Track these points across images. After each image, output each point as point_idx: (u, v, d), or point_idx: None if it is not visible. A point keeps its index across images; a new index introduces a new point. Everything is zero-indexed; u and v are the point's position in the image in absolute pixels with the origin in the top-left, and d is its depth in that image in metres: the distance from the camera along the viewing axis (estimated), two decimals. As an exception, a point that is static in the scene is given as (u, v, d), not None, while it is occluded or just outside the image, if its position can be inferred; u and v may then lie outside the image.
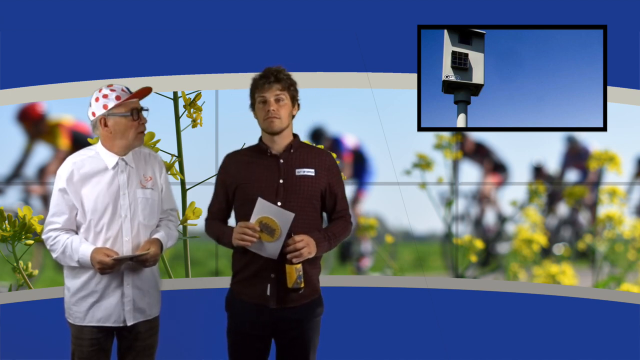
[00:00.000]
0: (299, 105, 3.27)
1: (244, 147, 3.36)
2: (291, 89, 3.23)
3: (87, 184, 3.25)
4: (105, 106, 3.23)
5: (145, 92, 3.27)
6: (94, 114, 3.26)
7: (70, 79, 4.31)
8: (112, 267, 3.20)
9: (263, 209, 3.11)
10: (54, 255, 3.28)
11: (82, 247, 3.21)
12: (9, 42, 4.36)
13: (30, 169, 5.31)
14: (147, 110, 3.30)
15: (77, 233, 3.28)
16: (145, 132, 3.32)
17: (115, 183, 3.26)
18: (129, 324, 3.27)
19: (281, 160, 3.23)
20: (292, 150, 3.25)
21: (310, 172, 3.23)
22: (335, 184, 3.28)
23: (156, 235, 3.31)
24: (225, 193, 3.29)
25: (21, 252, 3.99)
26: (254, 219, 3.12)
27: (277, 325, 3.21)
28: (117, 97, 3.23)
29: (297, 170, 3.22)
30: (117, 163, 3.27)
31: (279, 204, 3.18)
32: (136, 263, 3.25)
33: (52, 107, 5.25)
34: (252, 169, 3.24)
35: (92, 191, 3.24)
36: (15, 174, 5.31)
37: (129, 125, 3.25)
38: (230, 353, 3.28)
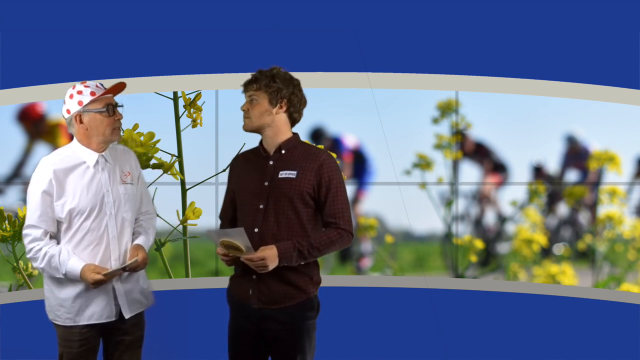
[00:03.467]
0: (287, 102, 3.20)
1: (250, 148, 3.37)
2: (269, 86, 3.17)
3: (69, 183, 3.20)
4: (80, 102, 3.19)
5: (120, 87, 3.24)
6: (68, 111, 3.21)
7: (70, 79, 4.30)
8: (105, 282, 3.21)
9: (217, 237, 3.12)
10: (35, 264, 3.22)
11: (70, 262, 3.16)
12: (9, 42, 4.36)
13: (30, 169, 5.31)
14: (121, 106, 3.27)
15: (57, 237, 3.23)
16: (122, 128, 3.28)
17: (98, 181, 3.22)
18: (126, 316, 3.27)
19: (271, 162, 3.23)
20: (282, 152, 3.24)
21: (292, 174, 3.19)
22: (326, 184, 3.19)
23: (138, 242, 3.29)
24: (229, 193, 3.33)
25: (21, 252, 3.99)
26: (219, 245, 3.15)
27: (262, 325, 3.22)
28: (92, 93, 3.20)
29: (280, 172, 3.20)
30: (97, 161, 3.24)
31: (261, 206, 3.18)
32: (129, 272, 3.25)
33: (52, 107, 5.26)
34: (244, 171, 3.25)
35: (76, 191, 3.20)
36: (15, 174, 5.32)
37: (104, 121, 3.21)
38: (229, 344, 3.31)
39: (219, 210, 3.39)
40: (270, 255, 3.11)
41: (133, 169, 3.34)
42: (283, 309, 3.21)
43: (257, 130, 3.22)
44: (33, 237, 3.20)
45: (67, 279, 3.21)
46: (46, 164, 3.21)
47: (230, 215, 3.34)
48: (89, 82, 3.24)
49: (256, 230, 3.16)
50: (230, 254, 3.15)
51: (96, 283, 3.18)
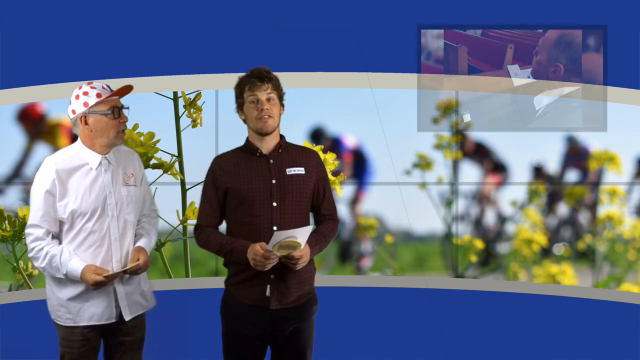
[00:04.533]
0: (283, 106, 3.27)
1: (231, 149, 3.35)
2: (279, 89, 3.25)
3: (72, 184, 3.20)
4: (85, 104, 3.19)
5: (126, 90, 3.23)
6: (74, 111, 3.21)
7: (70, 79, 4.31)
8: (106, 284, 3.20)
9: (280, 236, 3.09)
10: (37, 264, 3.21)
11: (72, 263, 3.16)
12: (9, 42, 4.36)
13: (30, 169, 5.31)
14: (127, 108, 3.27)
15: (59, 237, 3.23)
16: (126, 130, 3.27)
17: (101, 183, 3.22)
18: (127, 319, 3.26)
19: (271, 161, 3.24)
20: (280, 150, 3.26)
21: (301, 170, 3.24)
22: (322, 180, 3.30)
23: (140, 244, 3.28)
24: (216, 197, 3.26)
25: (21, 252, 3.99)
26: (272, 246, 3.10)
27: (276, 325, 3.22)
28: (98, 95, 3.19)
29: (287, 169, 3.23)
30: (100, 162, 3.24)
31: (275, 204, 3.19)
32: (130, 274, 3.25)
33: (52, 107, 5.26)
34: (241, 170, 3.23)
35: (78, 192, 3.19)
36: (15, 174, 5.32)
37: (109, 124, 3.20)
38: (226, 355, 3.28)
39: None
40: (308, 251, 3.18)
41: (137, 170, 3.33)
42: (297, 306, 3.24)
43: (274, 130, 3.24)
44: (35, 237, 3.21)
45: (68, 280, 3.21)
46: (49, 164, 3.21)
47: (216, 222, 3.30)
48: (95, 83, 3.24)
49: (275, 228, 3.17)
50: (274, 255, 3.11)
51: (96, 284, 3.17)
